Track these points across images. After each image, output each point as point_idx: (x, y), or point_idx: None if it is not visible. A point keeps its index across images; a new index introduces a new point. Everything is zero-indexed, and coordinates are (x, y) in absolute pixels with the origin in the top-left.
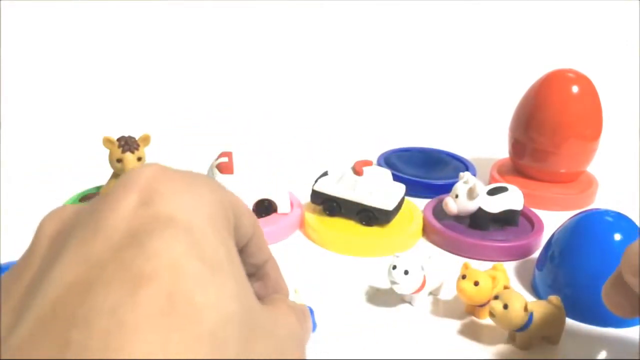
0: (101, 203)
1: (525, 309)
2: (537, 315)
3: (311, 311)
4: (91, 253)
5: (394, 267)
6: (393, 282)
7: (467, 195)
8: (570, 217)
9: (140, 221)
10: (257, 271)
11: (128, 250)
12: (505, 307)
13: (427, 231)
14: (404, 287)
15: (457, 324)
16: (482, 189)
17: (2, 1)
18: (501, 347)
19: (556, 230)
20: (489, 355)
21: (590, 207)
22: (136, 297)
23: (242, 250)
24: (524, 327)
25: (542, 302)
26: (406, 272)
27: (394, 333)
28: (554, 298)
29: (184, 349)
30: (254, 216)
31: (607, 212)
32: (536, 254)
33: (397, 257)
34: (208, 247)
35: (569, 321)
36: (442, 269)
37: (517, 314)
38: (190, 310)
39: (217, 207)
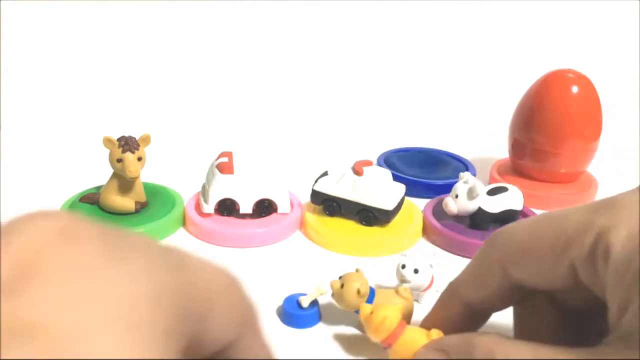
0: None
1: (359, 292)
2: (379, 303)
3: (316, 303)
4: None
5: (403, 266)
6: (404, 281)
7: (467, 195)
8: None
9: None
10: None
11: None
12: (342, 287)
13: (427, 231)
14: (414, 285)
15: None
16: (482, 189)
17: (2, 1)
18: None
19: None
20: None
21: None
22: None
23: (220, 354)
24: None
25: (390, 291)
26: (416, 271)
27: None
28: (403, 289)
29: None
30: (247, 310)
31: None
32: None
33: (405, 255)
34: None
35: None
36: (446, 266)
37: (350, 295)
38: None
39: (145, 299)
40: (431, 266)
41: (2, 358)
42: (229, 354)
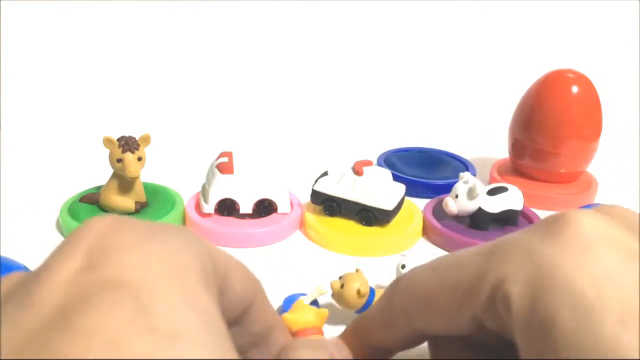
0: (42, 267)
1: (359, 292)
2: None
3: (316, 303)
4: (16, 334)
5: (403, 266)
6: None
7: (467, 195)
8: None
9: (77, 289)
10: (260, 340)
11: (53, 331)
12: (342, 287)
13: (427, 231)
14: None
15: None
16: (482, 189)
17: (2, 1)
18: None
19: None
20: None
21: None
22: None
23: (239, 320)
24: (361, 311)
25: None
26: None
27: None
28: None
29: None
30: (254, 280)
31: None
32: None
33: (405, 256)
34: (164, 313)
35: None
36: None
37: (350, 295)
38: None
39: (187, 260)
40: None
41: (103, 308)
42: (248, 319)
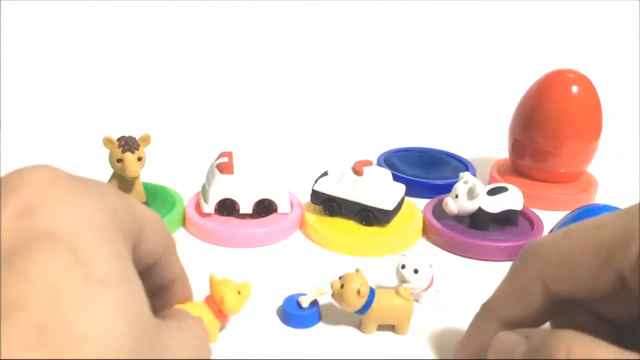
0: None
1: (359, 292)
2: (379, 303)
3: (316, 303)
4: None
5: (403, 267)
6: (404, 281)
7: (467, 195)
8: (569, 213)
9: (17, 236)
10: (162, 289)
11: None
12: (342, 287)
13: (427, 231)
14: (414, 285)
15: (464, 321)
16: (482, 189)
17: (2, 1)
18: None
19: (555, 226)
20: None
21: None
22: (1, 328)
23: (148, 270)
24: (361, 311)
25: (390, 291)
26: (416, 271)
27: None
28: (403, 289)
29: None
30: (166, 234)
31: (605, 207)
32: None
33: (405, 256)
34: (97, 264)
35: None
36: (446, 266)
37: (350, 295)
38: (66, 343)
39: (110, 217)
40: (431, 266)
41: (42, 256)
42: (155, 270)
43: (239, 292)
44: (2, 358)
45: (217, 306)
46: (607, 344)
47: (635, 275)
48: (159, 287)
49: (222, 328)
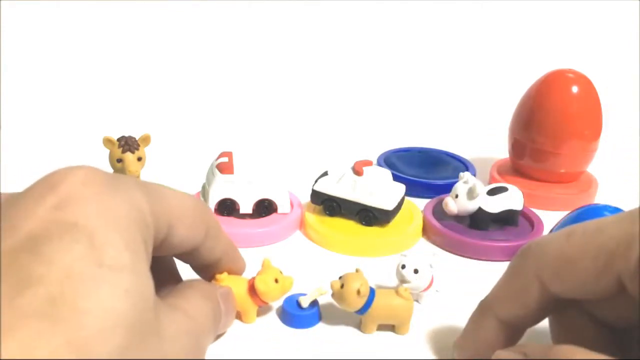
0: (21, 198)
1: (359, 292)
2: (379, 303)
3: (316, 303)
4: None
5: (403, 267)
6: (404, 281)
7: (467, 195)
8: (569, 213)
9: (46, 225)
10: (211, 266)
11: (25, 254)
12: (342, 287)
13: (427, 231)
14: (414, 285)
15: (464, 321)
16: (482, 189)
17: (2, 1)
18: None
19: (555, 226)
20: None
21: None
22: (18, 298)
23: (192, 252)
24: (361, 311)
25: (390, 291)
26: (416, 271)
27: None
28: (403, 289)
29: (49, 353)
30: (205, 221)
31: (605, 207)
32: None
33: (405, 256)
34: (109, 251)
35: None
36: (446, 266)
37: (350, 295)
38: (70, 315)
39: (132, 212)
40: (431, 266)
41: (63, 244)
42: (199, 252)
43: (276, 280)
44: (10, 321)
45: (252, 285)
46: (607, 358)
47: (635, 281)
48: (207, 265)
49: (263, 310)
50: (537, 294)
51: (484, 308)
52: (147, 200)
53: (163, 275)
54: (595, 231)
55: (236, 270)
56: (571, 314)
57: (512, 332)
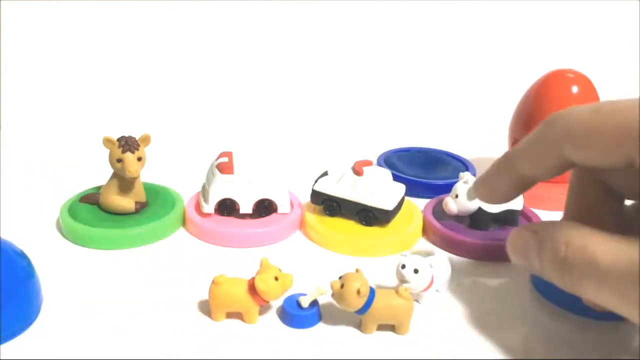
0: None
1: (359, 292)
2: (379, 303)
3: (316, 303)
4: None
5: (403, 267)
6: (403, 281)
7: (467, 195)
8: None
9: None
10: None
11: None
12: (342, 287)
13: (427, 231)
14: (414, 285)
15: (464, 320)
16: None
17: (2, 1)
18: (515, 345)
19: None
20: (498, 352)
21: None
22: None
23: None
24: (361, 311)
25: (390, 291)
26: (416, 271)
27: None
28: (403, 289)
29: None
30: None
31: None
32: None
33: (405, 256)
34: None
35: (580, 318)
36: (446, 266)
37: (350, 295)
38: None
39: None
40: (431, 266)
41: None
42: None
43: (276, 278)
44: None
45: (252, 285)
46: (604, 234)
47: None
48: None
49: (263, 310)
50: (556, 159)
51: (507, 160)
52: None
53: None
54: (616, 110)
55: None
56: (587, 181)
57: (526, 184)
